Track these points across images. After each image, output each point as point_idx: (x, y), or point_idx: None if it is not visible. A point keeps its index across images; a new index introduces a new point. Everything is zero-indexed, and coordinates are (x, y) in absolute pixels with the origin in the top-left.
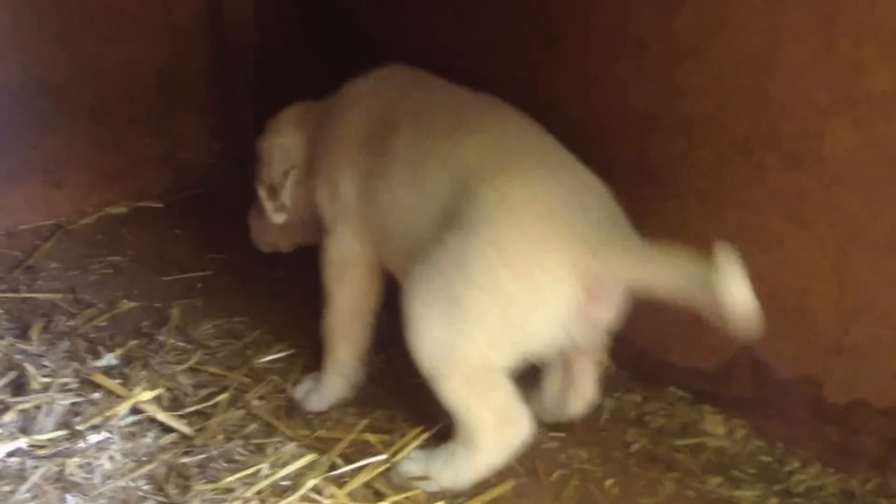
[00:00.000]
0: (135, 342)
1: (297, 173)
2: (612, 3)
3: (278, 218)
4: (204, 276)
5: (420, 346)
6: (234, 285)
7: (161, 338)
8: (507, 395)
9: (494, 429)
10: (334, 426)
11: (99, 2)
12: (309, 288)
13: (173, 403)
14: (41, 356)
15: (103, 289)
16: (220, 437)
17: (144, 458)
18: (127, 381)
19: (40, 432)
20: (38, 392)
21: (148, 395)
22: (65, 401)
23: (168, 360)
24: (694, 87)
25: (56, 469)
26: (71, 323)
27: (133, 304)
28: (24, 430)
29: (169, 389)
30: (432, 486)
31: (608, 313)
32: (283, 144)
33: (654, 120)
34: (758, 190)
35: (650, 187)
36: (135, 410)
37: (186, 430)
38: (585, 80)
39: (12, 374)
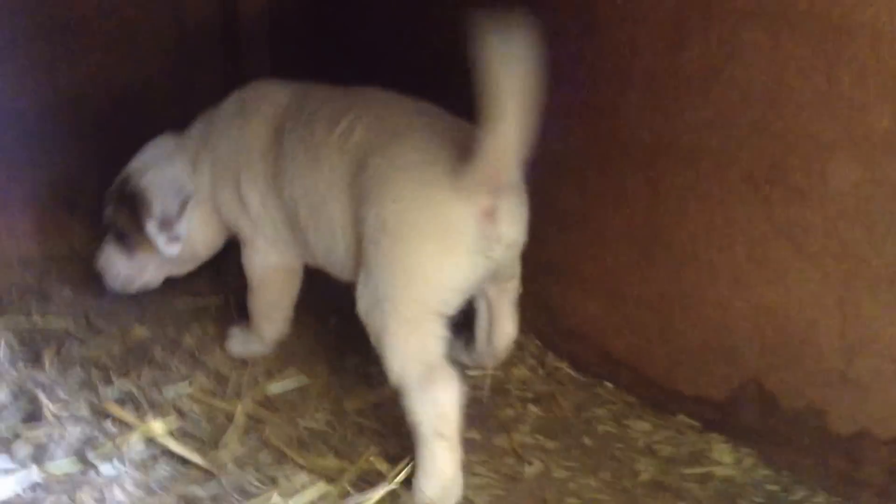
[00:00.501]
0: (147, 370)
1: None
2: (620, 36)
3: (174, 249)
4: (216, 303)
5: (364, 308)
6: (245, 312)
7: (173, 365)
8: (437, 349)
9: (422, 386)
10: (347, 452)
11: (110, 21)
12: (321, 315)
13: (185, 433)
14: (54, 384)
15: (116, 315)
16: (233, 466)
17: (157, 490)
18: (139, 410)
19: (53, 462)
20: (50, 421)
21: (160, 425)
22: (77, 430)
23: (180, 389)
24: (701, 121)
25: (68, 500)
26: (83, 350)
27: (145, 330)
28: (37, 460)
29: (181, 418)
30: None
31: (510, 227)
32: (172, 176)
33: (663, 152)
34: (764, 222)
35: (659, 217)
36: (147, 440)
37: (199, 460)
38: (594, 111)
39: (25, 403)
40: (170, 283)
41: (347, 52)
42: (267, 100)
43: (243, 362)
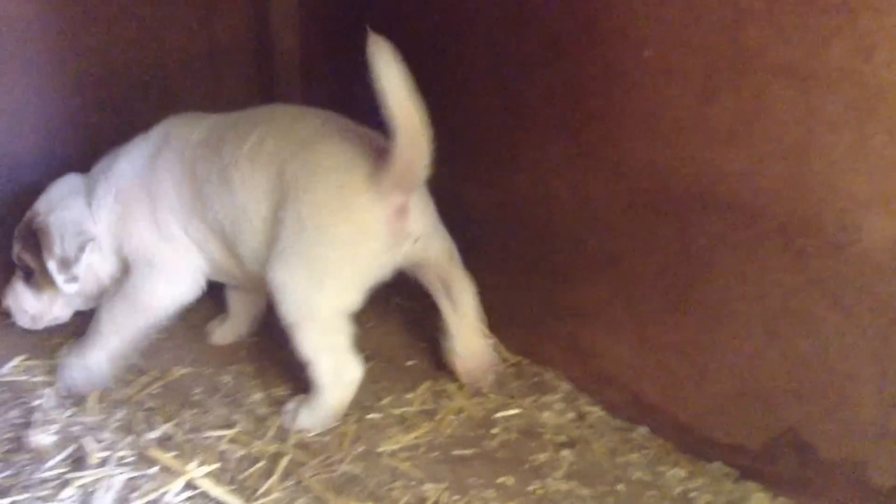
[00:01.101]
0: (187, 411)
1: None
2: (649, 86)
3: (72, 288)
4: (253, 342)
5: (286, 307)
6: (280, 351)
7: (212, 407)
8: (345, 341)
9: (334, 371)
10: (383, 496)
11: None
12: (364, 353)
13: (226, 477)
14: (99, 428)
15: (157, 355)
16: None
17: None
18: (181, 454)
19: None
20: (96, 466)
21: (201, 470)
22: (122, 475)
23: (220, 432)
24: (732, 173)
25: None
26: (126, 391)
27: (185, 370)
28: None
29: (221, 461)
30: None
31: (417, 222)
32: (73, 217)
33: (693, 201)
34: (798, 275)
35: (691, 265)
36: (189, 485)
37: None
38: (621, 160)
39: (71, 448)
40: (205, 321)
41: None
42: (174, 135)
43: (279, 402)
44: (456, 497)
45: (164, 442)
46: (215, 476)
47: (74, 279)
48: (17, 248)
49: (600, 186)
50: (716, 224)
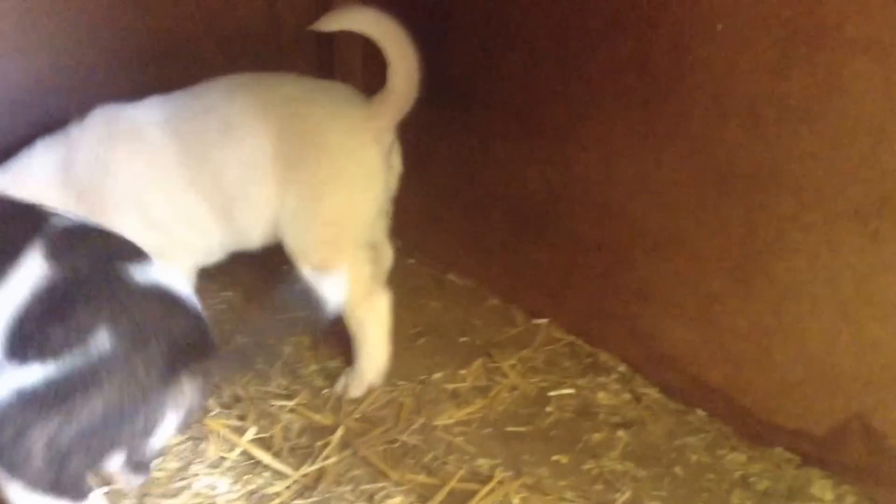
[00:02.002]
0: (249, 380)
1: None
2: (719, 61)
3: None
4: (310, 314)
5: (303, 250)
6: (336, 325)
7: (272, 377)
8: (367, 273)
9: (365, 302)
10: (438, 470)
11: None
12: (409, 328)
13: (283, 447)
14: None
15: (217, 324)
16: (329, 482)
17: (256, 500)
18: (240, 422)
19: (161, 474)
20: None
21: (258, 438)
22: (181, 441)
23: (279, 402)
24: (805, 152)
25: None
26: None
27: (246, 339)
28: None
29: (280, 431)
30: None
31: (398, 157)
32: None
33: (762, 180)
34: (873, 257)
35: (758, 246)
36: (245, 453)
37: (295, 474)
38: (687, 136)
39: None
40: (265, 293)
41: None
42: (122, 125)
43: (337, 376)
44: (509, 473)
45: (227, 410)
46: (272, 445)
47: None
48: None
49: (665, 164)
50: (786, 204)
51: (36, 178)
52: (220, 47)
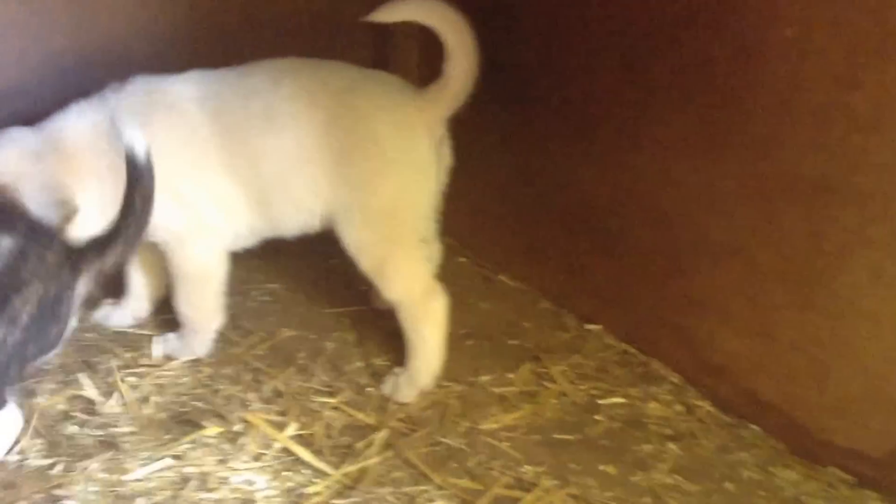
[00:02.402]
0: (291, 375)
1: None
2: (786, 67)
3: None
4: (355, 311)
5: (368, 261)
6: (380, 321)
7: (315, 372)
8: (427, 270)
9: (423, 301)
10: (482, 475)
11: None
12: (457, 328)
13: (324, 444)
14: (209, 384)
15: (262, 316)
16: (370, 482)
17: (295, 498)
18: (281, 418)
19: (200, 468)
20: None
21: (299, 434)
22: (220, 434)
23: (321, 398)
24: (872, 162)
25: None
26: (234, 350)
27: (290, 333)
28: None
29: (321, 429)
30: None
31: (447, 150)
32: (51, 184)
33: (826, 191)
34: None
35: (819, 259)
36: (285, 450)
37: (335, 473)
38: (749, 143)
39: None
40: (311, 285)
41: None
42: (159, 98)
43: (379, 372)
44: (555, 481)
45: (268, 404)
46: (312, 442)
47: None
48: None
49: (726, 170)
50: (851, 216)
51: (69, 140)
52: (275, 34)
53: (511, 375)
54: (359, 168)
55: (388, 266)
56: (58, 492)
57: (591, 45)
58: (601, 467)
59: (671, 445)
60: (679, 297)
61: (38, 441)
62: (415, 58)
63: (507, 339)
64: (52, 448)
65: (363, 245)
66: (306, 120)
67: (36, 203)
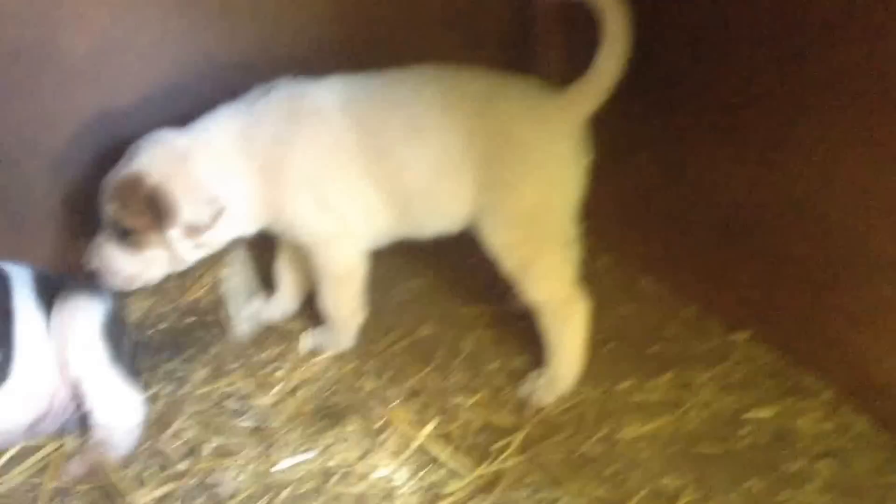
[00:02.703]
0: (429, 373)
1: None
2: None
3: (196, 255)
4: (494, 310)
5: (511, 263)
6: (518, 321)
7: (453, 371)
8: (571, 273)
9: (566, 304)
10: (620, 484)
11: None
12: (595, 332)
13: (461, 444)
14: (351, 380)
15: (402, 313)
16: (506, 486)
17: (430, 499)
18: (420, 415)
19: (342, 462)
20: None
21: (437, 433)
22: (361, 428)
23: (459, 398)
24: None
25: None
26: (375, 346)
27: (429, 331)
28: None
29: (458, 429)
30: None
31: (587, 151)
32: (201, 182)
33: None
34: None
35: None
36: (423, 448)
37: (471, 475)
38: None
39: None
40: (451, 283)
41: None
42: (307, 103)
43: (517, 374)
44: (696, 496)
45: (408, 401)
46: (450, 441)
47: (202, 247)
48: (112, 210)
49: (890, 175)
50: None
51: (217, 142)
52: (418, 38)
53: (651, 383)
54: (503, 172)
55: (532, 268)
56: (210, 479)
57: (744, 40)
58: (746, 483)
59: (822, 463)
60: (836, 307)
61: (192, 428)
62: (554, 63)
63: (647, 345)
64: (205, 435)
65: (507, 247)
66: (449, 129)
67: (186, 202)
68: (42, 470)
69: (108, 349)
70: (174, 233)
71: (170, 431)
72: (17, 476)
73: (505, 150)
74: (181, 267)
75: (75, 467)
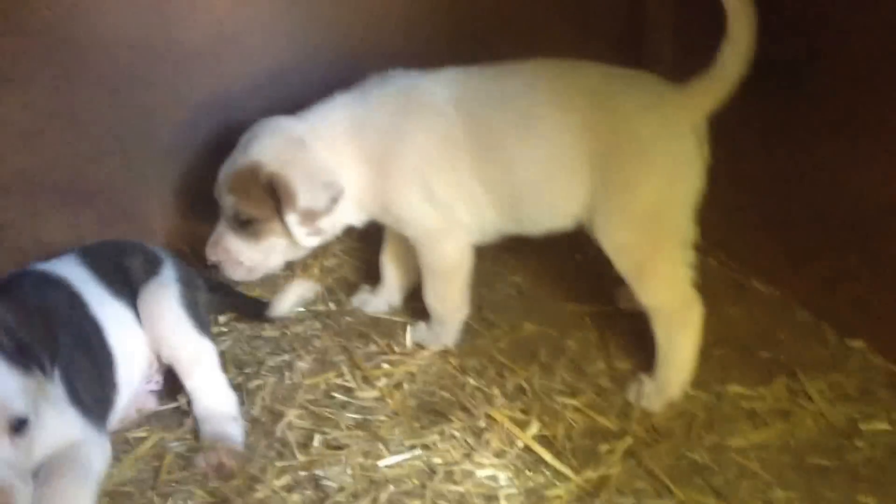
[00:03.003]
0: (533, 372)
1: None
2: None
3: (312, 242)
4: (598, 310)
5: (620, 245)
6: (623, 321)
7: (557, 371)
8: (690, 277)
9: (683, 308)
10: (729, 494)
11: None
12: (705, 334)
13: (565, 447)
14: (455, 376)
15: (506, 309)
16: (612, 491)
17: (535, 500)
18: (523, 416)
19: (446, 459)
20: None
21: (540, 434)
22: (464, 428)
23: (563, 399)
24: None
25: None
26: (479, 342)
27: (533, 328)
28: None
29: (563, 430)
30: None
31: (705, 150)
32: (318, 167)
33: None
34: None
35: None
36: (527, 449)
37: (577, 478)
38: None
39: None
40: (554, 280)
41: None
42: (419, 95)
43: (623, 378)
44: None
45: (511, 400)
46: (555, 443)
47: (318, 233)
48: (232, 200)
49: None
50: None
51: (332, 130)
52: (528, 32)
53: (763, 390)
54: (620, 170)
55: (648, 270)
56: (318, 471)
57: (870, 34)
58: (861, 498)
59: None
60: None
61: (304, 419)
62: (668, 56)
63: (759, 351)
64: (316, 426)
65: (623, 247)
66: (563, 125)
67: (303, 188)
68: (155, 457)
69: (196, 327)
70: (293, 219)
71: (283, 423)
72: (130, 466)
73: (623, 148)
74: (298, 255)
75: (201, 459)
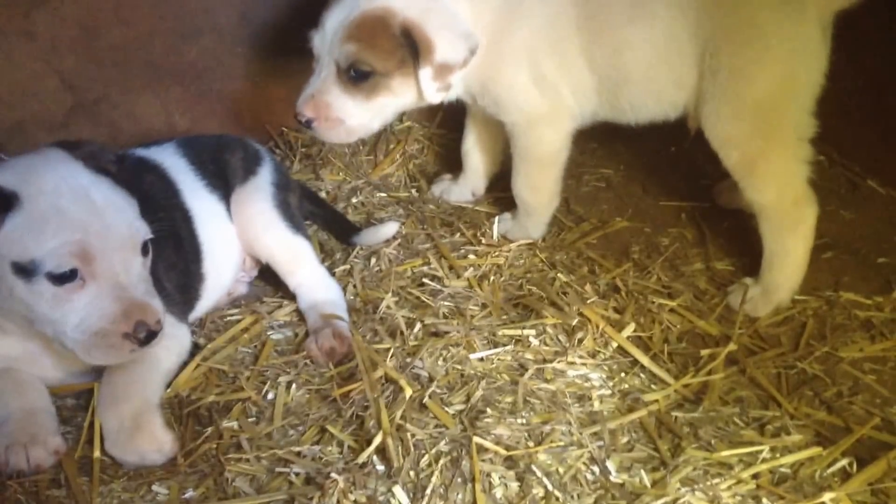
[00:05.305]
0: (627, 270)
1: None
2: None
3: (438, 97)
4: (695, 206)
5: (736, 138)
6: (723, 220)
7: (652, 270)
8: (806, 175)
9: (795, 207)
10: (841, 410)
11: None
12: (815, 237)
13: (662, 350)
14: (544, 270)
15: (595, 203)
16: (713, 399)
17: (630, 403)
18: (617, 315)
19: (537, 356)
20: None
21: (636, 336)
22: (556, 325)
23: (659, 300)
24: None
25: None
26: (566, 236)
27: (623, 224)
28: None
29: (659, 333)
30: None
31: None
32: (458, 19)
33: None
34: None
35: None
36: (621, 350)
37: (675, 384)
38: None
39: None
40: (647, 174)
41: None
42: None
43: (722, 280)
44: None
45: (604, 299)
46: (651, 346)
47: (447, 87)
48: (351, 49)
49: None
50: None
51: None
52: None
53: (879, 298)
54: (735, 56)
55: (760, 165)
56: (412, 359)
57: None
58: None
59: None
60: None
61: (399, 302)
62: None
63: (874, 255)
64: (414, 314)
65: (733, 140)
66: (679, 7)
67: (443, 38)
68: (251, 340)
69: (290, 228)
70: (426, 73)
71: (382, 307)
72: (227, 347)
73: (739, 33)
74: (389, 121)
75: (312, 344)
